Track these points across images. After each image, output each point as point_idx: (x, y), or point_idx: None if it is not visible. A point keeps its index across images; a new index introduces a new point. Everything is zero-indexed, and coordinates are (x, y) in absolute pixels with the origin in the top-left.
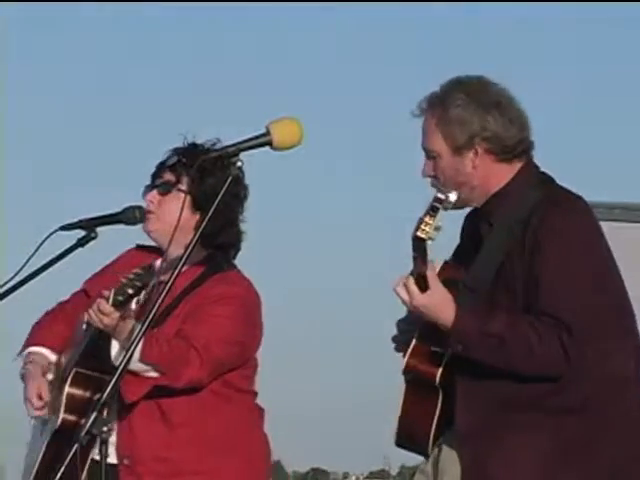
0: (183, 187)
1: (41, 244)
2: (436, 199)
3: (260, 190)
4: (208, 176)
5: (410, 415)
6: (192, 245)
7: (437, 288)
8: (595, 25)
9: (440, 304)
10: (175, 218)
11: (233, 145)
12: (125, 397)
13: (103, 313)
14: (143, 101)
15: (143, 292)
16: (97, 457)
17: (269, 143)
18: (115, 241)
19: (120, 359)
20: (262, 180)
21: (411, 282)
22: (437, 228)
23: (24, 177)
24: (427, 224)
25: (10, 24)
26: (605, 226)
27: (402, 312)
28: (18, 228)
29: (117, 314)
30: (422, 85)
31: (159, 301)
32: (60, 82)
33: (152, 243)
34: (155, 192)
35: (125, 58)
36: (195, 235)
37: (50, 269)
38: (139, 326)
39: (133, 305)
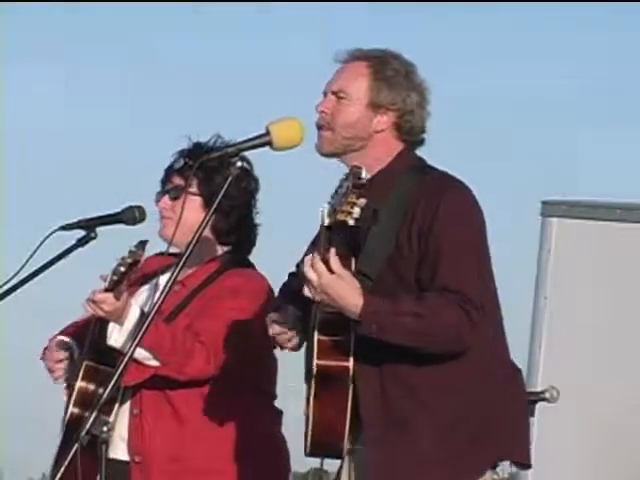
0: (193, 189)
1: (41, 244)
2: (356, 182)
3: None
4: (216, 175)
5: (324, 417)
6: (195, 239)
7: (344, 271)
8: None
9: (348, 287)
10: (189, 221)
11: (233, 145)
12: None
13: (99, 301)
14: (143, 101)
15: (134, 269)
16: (112, 455)
17: (269, 143)
18: (115, 241)
19: (123, 344)
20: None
21: (319, 261)
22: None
23: (24, 177)
24: (353, 204)
25: (11, 24)
26: (606, 227)
27: None
28: (18, 228)
29: (112, 297)
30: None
31: (165, 291)
32: (60, 81)
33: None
34: (166, 198)
35: (126, 57)
36: (198, 230)
37: (50, 269)
38: (134, 303)
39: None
